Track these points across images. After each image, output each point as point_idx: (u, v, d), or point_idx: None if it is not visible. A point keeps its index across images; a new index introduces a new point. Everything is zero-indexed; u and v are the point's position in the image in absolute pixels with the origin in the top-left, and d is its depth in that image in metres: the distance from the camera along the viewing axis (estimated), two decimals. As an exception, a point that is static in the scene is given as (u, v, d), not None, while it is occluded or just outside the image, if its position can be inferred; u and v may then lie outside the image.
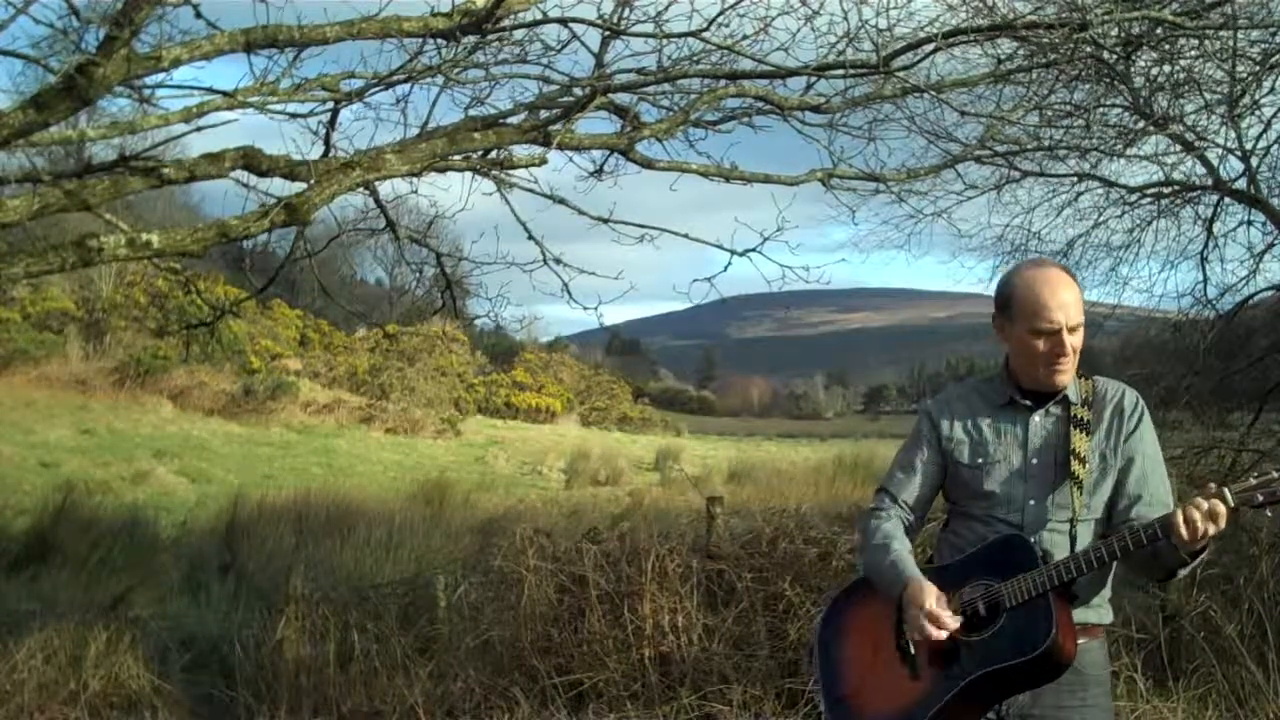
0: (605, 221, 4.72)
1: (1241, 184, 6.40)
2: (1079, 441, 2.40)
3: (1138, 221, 7.38)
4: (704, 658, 4.93)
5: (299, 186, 4.03)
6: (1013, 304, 2.45)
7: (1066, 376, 2.43)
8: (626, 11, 4.17)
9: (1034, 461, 2.43)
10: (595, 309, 5.01)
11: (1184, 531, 2.15)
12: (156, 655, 5.94)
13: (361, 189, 4.38)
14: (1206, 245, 7.09)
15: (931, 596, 2.31)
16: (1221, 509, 2.14)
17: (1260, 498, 2.14)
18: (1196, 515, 2.14)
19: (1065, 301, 2.39)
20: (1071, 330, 2.40)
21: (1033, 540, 2.36)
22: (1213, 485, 2.18)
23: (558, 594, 5.29)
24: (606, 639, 5.01)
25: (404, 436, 25.80)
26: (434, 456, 23.66)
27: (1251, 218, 6.72)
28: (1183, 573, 2.30)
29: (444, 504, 14.25)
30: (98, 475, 15.60)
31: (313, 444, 22.66)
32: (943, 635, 2.28)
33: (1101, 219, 7.41)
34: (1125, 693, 4.55)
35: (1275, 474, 2.14)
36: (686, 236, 4.94)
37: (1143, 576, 2.38)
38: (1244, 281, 7.10)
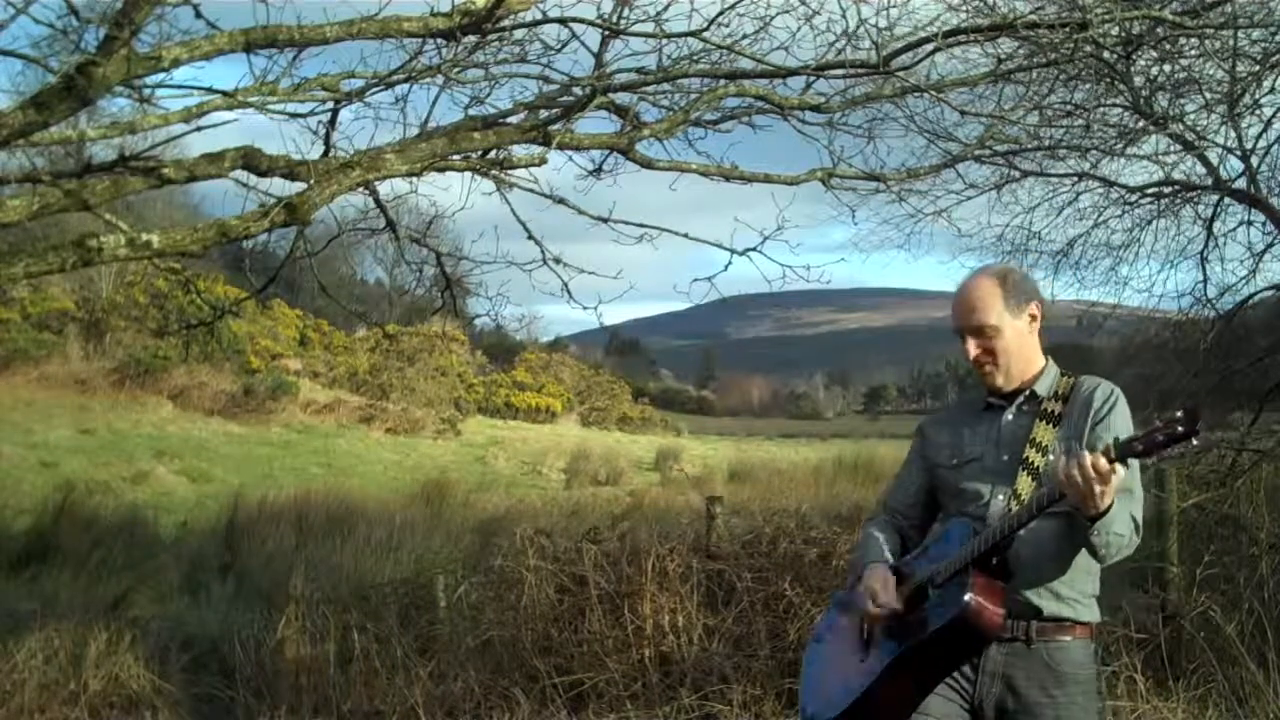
0: (605, 221, 4.71)
1: (1241, 183, 6.39)
2: (1041, 432, 2.44)
3: (1138, 221, 7.38)
4: (704, 658, 4.93)
5: (299, 186, 4.02)
6: None
7: (995, 379, 2.50)
8: (626, 11, 4.15)
9: (1004, 458, 2.48)
10: (595, 309, 4.99)
11: (1064, 483, 2.16)
12: (156, 655, 5.94)
13: (361, 189, 4.37)
14: (1206, 245, 7.08)
15: (877, 577, 2.45)
16: (1088, 460, 2.11)
17: (1140, 447, 2.11)
18: (1063, 464, 2.15)
19: (964, 307, 2.49)
20: (975, 333, 2.47)
21: (984, 526, 2.38)
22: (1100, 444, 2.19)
23: (558, 594, 5.29)
24: (606, 639, 5.02)
25: (404, 436, 25.81)
26: (434, 456, 23.68)
27: (1251, 217, 6.71)
28: (1097, 542, 2.25)
29: (444, 504, 14.28)
30: (98, 475, 15.62)
31: (313, 444, 22.68)
32: (875, 611, 2.40)
33: (1101, 219, 7.40)
34: (1125, 693, 4.56)
35: (1159, 423, 2.09)
36: (686, 236, 4.93)
37: (1089, 552, 2.34)
38: (1244, 281, 7.09)
